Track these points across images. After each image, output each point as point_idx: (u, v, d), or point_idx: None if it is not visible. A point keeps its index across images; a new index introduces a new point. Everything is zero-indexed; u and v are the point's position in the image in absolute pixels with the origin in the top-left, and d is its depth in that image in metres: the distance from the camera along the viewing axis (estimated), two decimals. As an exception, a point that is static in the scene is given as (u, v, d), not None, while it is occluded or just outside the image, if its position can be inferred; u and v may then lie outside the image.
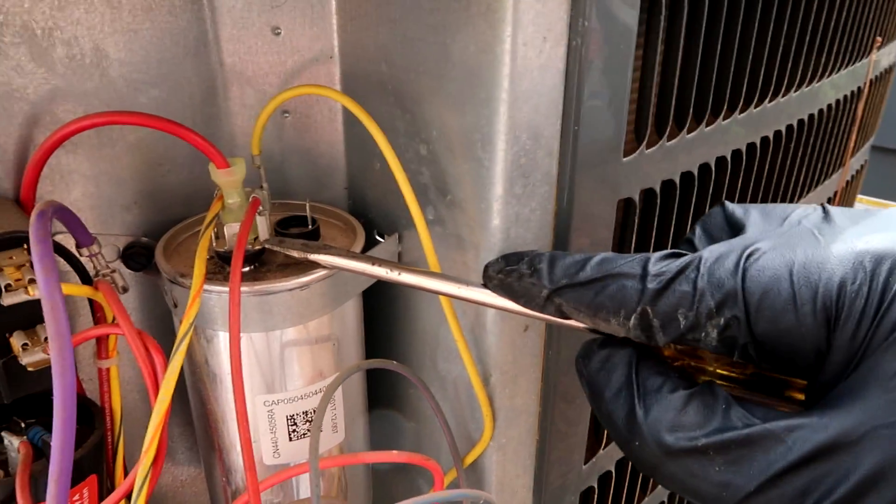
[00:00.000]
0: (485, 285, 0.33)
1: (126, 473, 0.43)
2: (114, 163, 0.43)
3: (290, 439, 0.43)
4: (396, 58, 0.41)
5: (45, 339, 0.34)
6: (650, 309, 0.28)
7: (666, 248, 0.49)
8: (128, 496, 0.37)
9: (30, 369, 0.34)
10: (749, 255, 0.27)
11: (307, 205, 0.44)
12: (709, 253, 0.28)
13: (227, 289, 0.38)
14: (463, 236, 0.41)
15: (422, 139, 0.41)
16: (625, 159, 0.41)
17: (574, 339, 0.44)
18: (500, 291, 0.32)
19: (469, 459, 0.47)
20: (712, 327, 0.27)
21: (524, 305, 0.32)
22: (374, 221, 0.48)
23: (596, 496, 0.55)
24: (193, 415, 0.47)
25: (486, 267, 0.33)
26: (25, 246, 0.34)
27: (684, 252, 0.29)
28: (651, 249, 0.48)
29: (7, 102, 0.38)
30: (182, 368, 0.45)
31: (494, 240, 0.39)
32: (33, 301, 0.34)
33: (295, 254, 0.39)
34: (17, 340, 0.34)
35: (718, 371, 0.31)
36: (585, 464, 0.52)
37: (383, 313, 0.50)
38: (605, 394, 0.30)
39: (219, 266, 0.41)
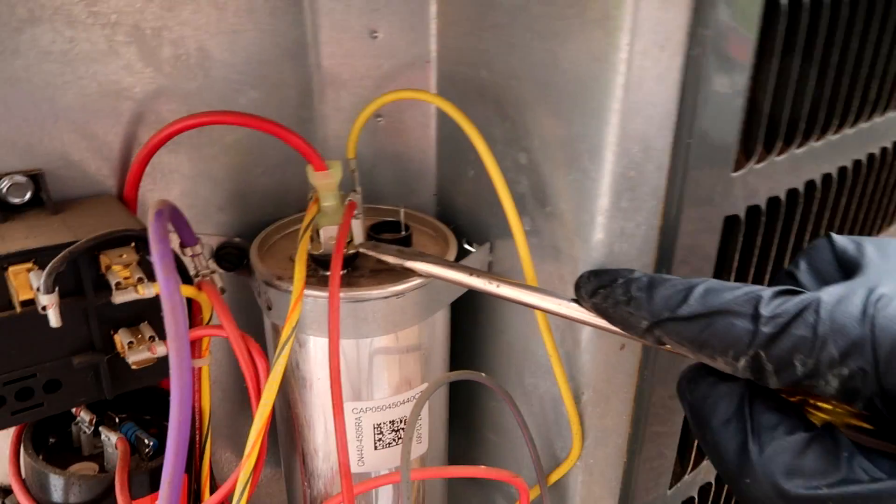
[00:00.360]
0: (578, 303, 0.32)
1: (212, 474, 0.43)
2: (211, 163, 0.43)
3: (376, 448, 0.43)
4: (499, 64, 0.40)
5: (150, 337, 0.34)
6: (763, 353, 0.26)
7: (768, 269, 0.47)
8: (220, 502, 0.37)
9: (133, 368, 0.34)
10: (877, 301, 0.25)
11: (401, 211, 0.43)
12: (828, 295, 0.26)
13: (323, 294, 0.38)
14: (561, 248, 0.40)
15: (522, 147, 0.40)
16: (734, 174, 0.39)
17: (672, 360, 0.43)
18: (596, 314, 0.31)
19: (553, 478, 0.45)
20: (833, 377, 0.25)
21: (623, 330, 0.31)
22: (463, 229, 0.47)
23: (677, 523, 0.53)
24: (277, 418, 0.47)
25: (577, 285, 0.32)
26: (133, 244, 0.34)
27: (797, 289, 0.27)
28: (753, 269, 0.45)
29: (116, 101, 0.38)
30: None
31: (596, 254, 0.38)
32: (140, 301, 0.34)
33: (391, 260, 0.39)
34: (122, 338, 0.34)
35: (837, 410, 0.29)
36: (670, 489, 0.50)
37: (469, 324, 0.49)
38: (712, 423, 0.28)
39: (311, 269, 0.41)
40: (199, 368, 0.41)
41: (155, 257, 0.28)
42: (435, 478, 0.46)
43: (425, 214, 0.47)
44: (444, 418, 0.48)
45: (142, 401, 0.42)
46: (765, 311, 0.26)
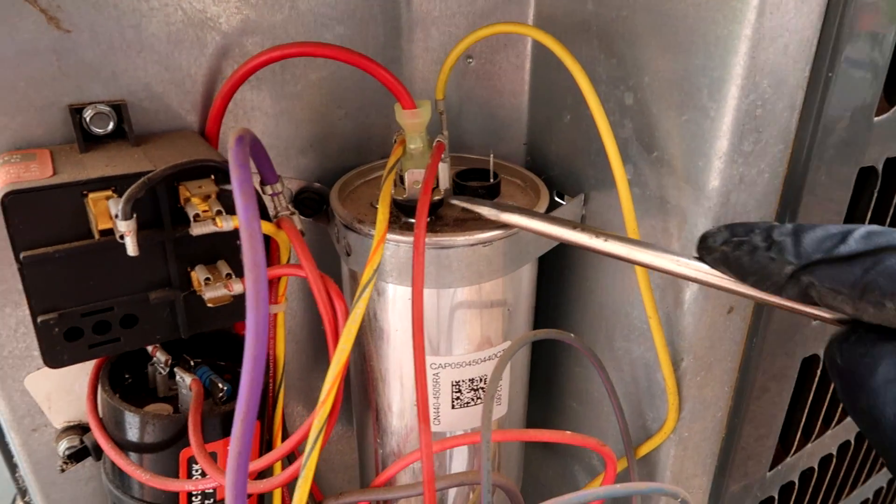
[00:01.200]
0: (701, 259, 0.28)
1: (284, 424, 0.41)
2: (294, 102, 0.41)
3: (453, 406, 0.41)
4: (607, -7, 0.36)
5: (227, 275, 0.33)
6: None
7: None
8: (288, 455, 0.35)
9: (209, 305, 0.33)
10: None
11: (490, 158, 0.40)
12: None
13: (406, 239, 0.36)
14: (668, 198, 0.36)
15: (628, 87, 0.36)
16: (876, 119, 0.35)
17: (787, 327, 0.38)
18: (724, 267, 0.27)
19: (643, 450, 0.42)
20: None
21: (754, 285, 0.26)
22: (555, 180, 0.44)
23: (775, 509, 0.49)
24: (351, 371, 0.45)
25: (705, 237, 0.27)
26: (213, 177, 0.32)
27: None
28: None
29: (201, 31, 0.37)
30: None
31: (710, 204, 0.34)
32: (217, 235, 0.33)
33: (485, 212, 0.36)
34: (199, 274, 0.33)
35: None
36: (770, 470, 0.46)
37: (556, 281, 0.46)
38: (870, 383, 0.24)
39: (394, 215, 0.39)
40: (275, 315, 0.40)
41: (234, 182, 0.26)
42: (515, 441, 0.44)
43: (514, 164, 0.44)
44: (525, 381, 0.45)
45: (217, 346, 0.41)
46: None
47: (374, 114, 0.44)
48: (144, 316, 0.33)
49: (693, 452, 0.42)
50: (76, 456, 0.40)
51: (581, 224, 0.33)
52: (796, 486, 0.49)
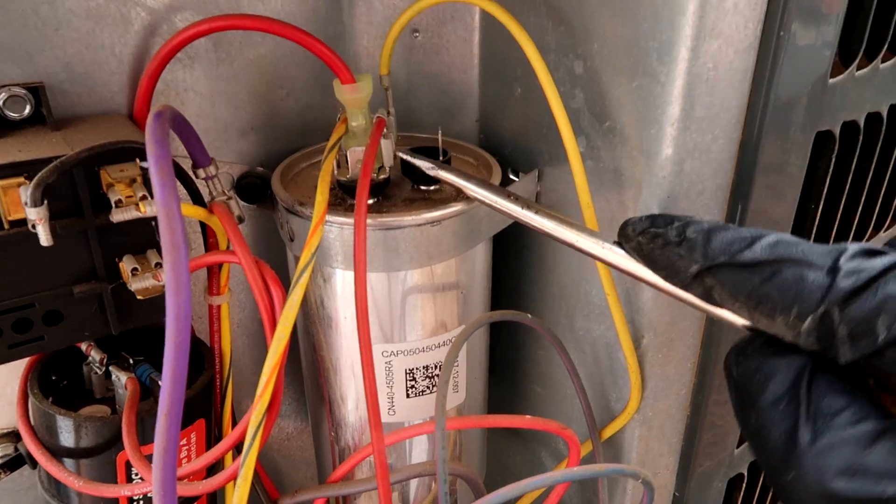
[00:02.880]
0: (619, 244, 0.27)
1: (235, 421, 0.40)
2: (231, 82, 0.39)
3: (408, 395, 0.39)
4: (552, -43, 0.35)
5: (157, 264, 0.31)
6: (837, 312, 0.20)
7: (862, 198, 0.41)
8: (237, 446, 0.33)
9: (139, 297, 0.31)
10: None
11: (439, 135, 0.38)
12: None
13: (350, 220, 0.34)
14: (622, 170, 0.35)
15: (577, 55, 0.35)
16: (831, 80, 0.33)
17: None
18: (639, 257, 0.26)
19: (608, 432, 0.41)
20: None
21: (665, 279, 0.25)
22: (509, 159, 0.42)
23: (745, 485, 0.48)
24: (303, 363, 0.43)
25: (626, 224, 0.26)
26: (138, 160, 0.30)
27: (890, 249, 0.22)
28: (845, 197, 0.39)
29: (124, 7, 0.34)
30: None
31: (664, 173, 0.33)
32: (144, 222, 0.31)
33: (424, 166, 0.34)
34: (126, 265, 0.31)
35: None
36: (738, 447, 0.45)
37: (514, 262, 0.44)
38: (759, 402, 0.22)
39: (339, 198, 0.37)
40: (219, 307, 0.38)
41: (150, 159, 0.24)
42: (473, 428, 0.42)
43: (466, 142, 0.43)
44: (484, 366, 0.44)
45: (159, 342, 0.39)
46: (846, 265, 0.21)
47: (318, 93, 0.42)
48: (70, 312, 0.31)
49: (658, 432, 0.41)
50: (11, 465, 0.38)
51: (517, 195, 0.31)
52: (765, 462, 0.49)
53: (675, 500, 0.44)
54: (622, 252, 0.27)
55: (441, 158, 0.38)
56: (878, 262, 0.21)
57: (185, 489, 0.31)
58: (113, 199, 0.29)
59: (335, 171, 0.36)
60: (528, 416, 0.37)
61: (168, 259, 0.22)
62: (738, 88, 0.32)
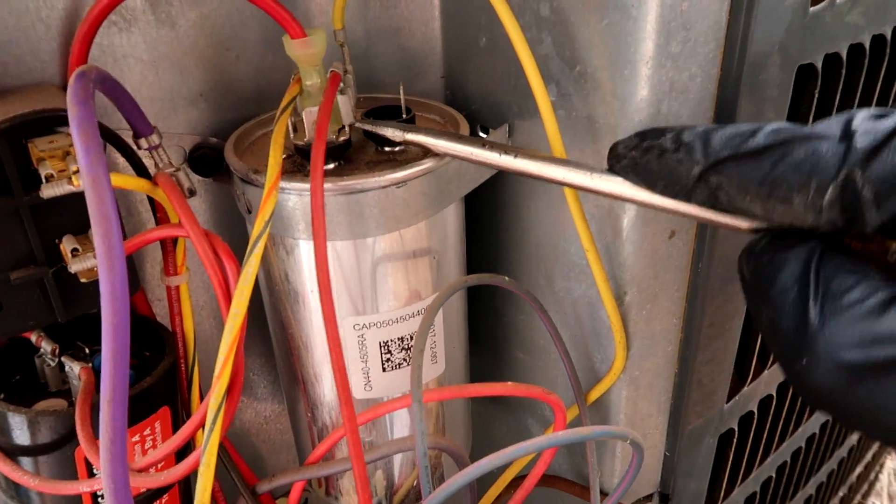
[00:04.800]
0: (611, 168, 0.25)
1: (203, 406, 0.37)
2: (174, 45, 0.36)
3: (384, 370, 0.37)
4: None
5: (99, 242, 0.28)
6: (858, 173, 0.19)
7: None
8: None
9: (83, 280, 0.28)
10: None
11: (401, 92, 0.36)
12: None
13: (307, 186, 0.32)
14: (596, 118, 0.33)
15: (542, -4, 0.33)
16: (812, 8, 0.31)
17: (732, 245, 0.36)
18: (632, 174, 0.24)
19: (594, 395, 0.39)
20: None
21: (663, 191, 0.24)
22: (477, 115, 0.40)
23: (736, 440, 0.47)
24: (274, 342, 0.41)
25: (616, 145, 0.25)
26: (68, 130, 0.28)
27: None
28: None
29: (44, -36, 0.31)
30: (259, 287, 0.39)
31: (640, 117, 0.31)
32: (82, 198, 0.28)
33: (389, 133, 0.32)
34: (66, 245, 0.28)
35: None
36: (728, 402, 0.44)
37: (488, 224, 0.42)
38: (770, 294, 0.22)
39: (298, 164, 0.35)
40: (177, 288, 0.36)
41: (72, 123, 0.21)
42: (452, 398, 0.40)
43: (432, 100, 0.40)
44: (463, 334, 0.42)
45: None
46: (861, 126, 0.20)
47: (271, 55, 0.40)
48: (9, 299, 0.29)
49: (646, 391, 0.40)
50: (-36, 467, 0.35)
51: (490, 141, 0.29)
52: (756, 416, 0.48)
53: (666, 460, 0.43)
54: (615, 178, 0.25)
55: (404, 117, 0.36)
56: (892, 121, 0.20)
57: (146, 481, 0.29)
58: (43, 173, 0.26)
59: (291, 135, 0.34)
60: (510, 383, 0.35)
61: (98, 231, 0.20)
62: (714, 20, 0.29)
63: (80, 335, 0.35)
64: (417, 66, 0.42)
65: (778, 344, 0.21)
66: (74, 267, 0.27)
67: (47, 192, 0.26)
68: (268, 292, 0.38)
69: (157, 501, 0.36)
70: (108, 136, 0.29)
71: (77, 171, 0.27)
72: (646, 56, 0.29)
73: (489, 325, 0.46)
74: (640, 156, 0.24)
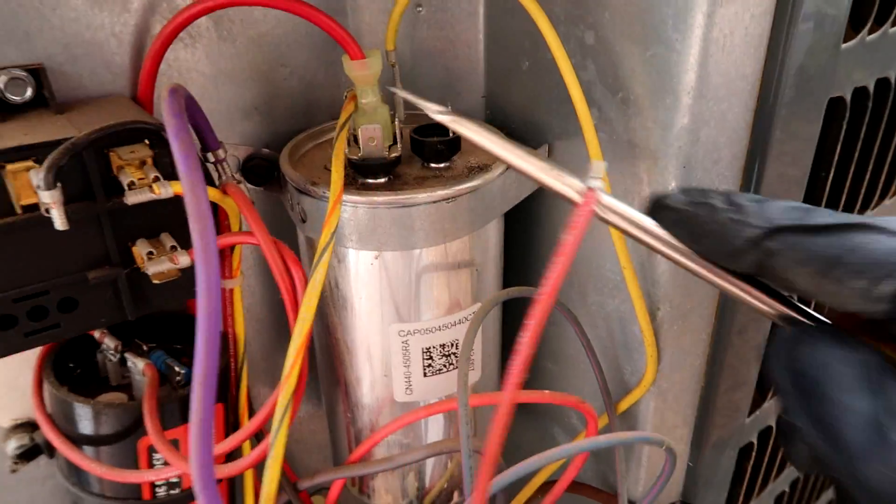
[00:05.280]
0: (653, 215, 0.25)
1: (250, 406, 0.39)
2: (234, 61, 0.38)
3: (425, 375, 0.39)
4: (561, -75, 0.34)
5: (172, 247, 0.30)
6: None
7: (870, 162, 0.41)
8: (256, 435, 0.33)
9: (155, 282, 0.30)
10: None
11: (448, 107, 0.38)
12: None
13: (364, 199, 0.33)
14: (636, 142, 0.34)
15: (588, 25, 0.35)
16: (844, 46, 0.33)
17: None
18: (678, 227, 0.24)
19: (623, 406, 0.41)
20: None
21: (706, 250, 0.23)
22: (516, 133, 0.42)
23: (755, 453, 0.48)
24: (316, 345, 0.43)
25: (661, 197, 0.25)
26: (147, 141, 0.30)
27: None
28: (854, 162, 0.39)
29: (122, -16, 0.33)
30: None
31: (680, 143, 0.33)
32: (157, 205, 0.30)
33: (432, 108, 0.32)
34: (141, 248, 0.30)
35: None
36: (749, 416, 0.46)
37: (524, 239, 0.44)
38: (834, 394, 0.21)
39: (350, 176, 0.36)
40: (231, 291, 0.37)
41: (170, 132, 0.23)
42: (491, 405, 0.42)
43: (475, 119, 0.42)
44: (497, 343, 0.44)
45: (171, 328, 0.38)
46: None
47: (321, 72, 0.42)
48: (85, 298, 0.31)
49: (673, 403, 0.41)
50: (27, 455, 0.37)
51: (539, 154, 0.31)
52: (773, 431, 0.49)
53: (689, 470, 0.45)
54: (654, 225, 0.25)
55: (451, 135, 0.38)
56: None
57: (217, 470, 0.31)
58: (125, 181, 0.28)
59: (346, 150, 0.36)
60: (547, 391, 0.37)
61: (196, 228, 0.22)
62: (753, 55, 0.31)
63: (136, 332, 0.37)
64: (459, 86, 0.44)
65: (839, 445, 0.21)
66: (151, 269, 0.29)
67: (132, 198, 0.28)
68: (314, 298, 0.40)
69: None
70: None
71: (156, 179, 0.29)
72: (688, 87, 0.31)
73: (520, 335, 0.48)
74: (691, 209, 0.23)
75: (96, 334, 0.36)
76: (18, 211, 0.27)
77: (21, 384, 0.37)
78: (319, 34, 0.39)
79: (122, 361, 0.36)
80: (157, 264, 0.29)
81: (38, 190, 0.26)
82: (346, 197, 0.34)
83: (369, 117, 0.35)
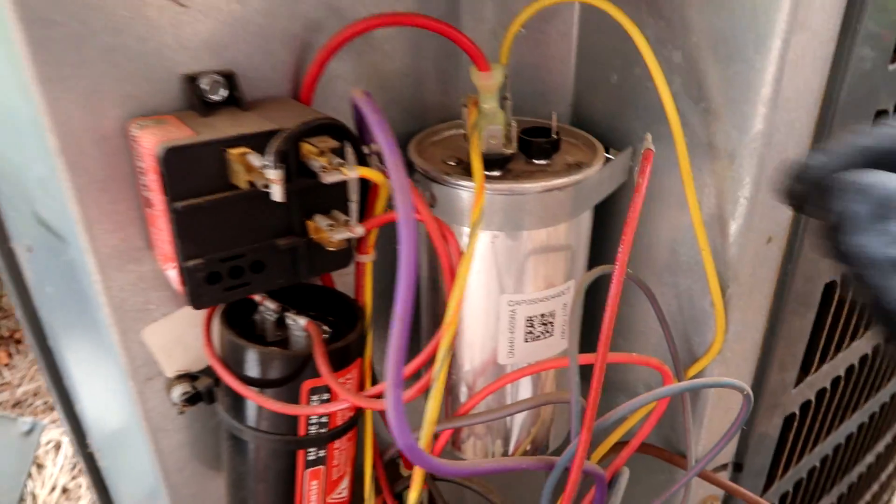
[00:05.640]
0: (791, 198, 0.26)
1: (373, 370, 0.46)
2: (370, 69, 0.45)
3: (526, 340, 0.45)
4: (657, -36, 0.41)
5: (345, 221, 0.37)
6: None
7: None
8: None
9: (330, 249, 0.37)
10: None
11: (553, 118, 0.45)
12: None
13: (501, 187, 0.40)
14: (715, 144, 0.41)
15: (676, 46, 0.42)
16: (890, 66, 0.40)
17: (814, 254, 0.44)
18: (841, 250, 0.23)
19: (693, 371, 0.48)
20: None
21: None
22: (602, 138, 0.49)
23: (796, 423, 0.55)
24: (424, 315, 0.50)
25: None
26: (328, 136, 0.36)
27: None
28: None
29: (294, 6, 0.40)
30: (420, 264, 0.48)
31: (755, 145, 0.39)
32: (332, 187, 0.37)
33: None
34: (320, 222, 0.37)
35: None
36: (794, 388, 0.52)
37: (606, 225, 0.51)
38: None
39: (466, 168, 0.43)
40: (364, 265, 0.44)
41: (373, 123, 0.30)
42: (593, 363, 0.48)
43: (566, 125, 0.49)
44: (580, 318, 0.50)
45: (303, 297, 0.45)
46: None
47: (433, 80, 0.49)
48: (270, 262, 0.37)
49: (735, 372, 0.48)
50: (191, 400, 0.44)
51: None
52: (813, 404, 0.56)
53: (743, 434, 0.51)
54: None
55: (554, 136, 0.45)
56: None
57: (369, 402, 0.37)
58: (315, 165, 0.35)
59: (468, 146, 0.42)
60: (634, 354, 0.43)
61: (399, 199, 0.29)
62: (819, 73, 0.38)
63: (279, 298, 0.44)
64: (550, 95, 0.51)
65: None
66: (335, 237, 0.36)
67: (328, 178, 0.34)
68: (428, 270, 0.47)
69: (338, 440, 0.44)
70: (351, 138, 0.37)
71: (340, 164, 0.35)
72: (764, 98, 0.38)
73: (595, 313, 0.55)
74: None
75: (257, 297, 0.42)
76: (244, 186, 0.34)
77: (186, 340, 0.44)
78: (435, 47, 0.47)
79: (278, 322, 0.42)
80: (339, 233, 0.36)
81: (264, 169, 0.33)
82: (466, 183, 0.41)
83: (489, 119, 0.42)
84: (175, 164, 0.33)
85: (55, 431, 1.79)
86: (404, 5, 0.45)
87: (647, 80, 0.43)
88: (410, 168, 0.44)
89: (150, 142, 0.34)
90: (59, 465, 1.69)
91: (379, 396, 0.40)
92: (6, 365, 2.15)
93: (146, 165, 0.34)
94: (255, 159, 0.34)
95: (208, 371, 0.45)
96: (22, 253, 0.55)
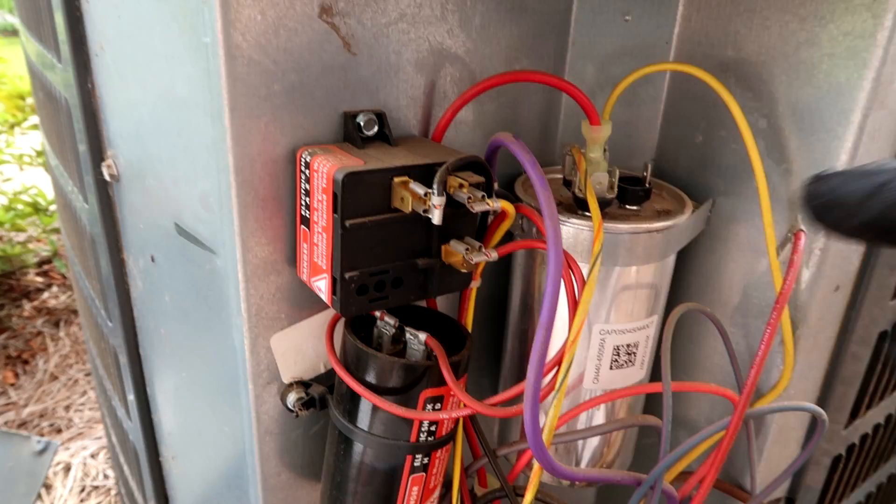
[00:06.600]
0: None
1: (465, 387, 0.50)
2: (485, 117, 0.51)
3: (611, 368, 0.50)
4: (749, 44, 0.47)
5: (479, 247, 0.42)
6: None
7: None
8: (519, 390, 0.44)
9: (462, 270, 0.42)
10: None
11: (647, 169, 0.50)
12: None
13: (584, 223, 0.46)
14: (794, 200, 0.47)
15: (762, 114, 0.48)
16: (950, 144, 0.46)
17: (874, 303, 0.49)
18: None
19: (759, 405, 0.52)
20: None
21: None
22: (685, 190, 0.55)
23: (842, 465, 0.59)
24: (510, 340, 0.54)
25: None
26: (471, 171, 0.42)
27: None
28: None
29: (438, 58, 0.46)
30: (512, 292, 0.53)
31: (833, 203, 0.45)
32: (470, 216, 0.42)
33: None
34: (456, 247, 0.42)
35: None
36: (844, 429, 0.57)
37: (684, 267, 0.56)
38: None
39: (573, 209, 0.49)
40: (469, 290, 0.49)
41: (525, 161, 0.36)
42: (678, 391, 0.52)
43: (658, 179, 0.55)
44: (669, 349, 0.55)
45: (413, 318, 0.49)
46: None
47: (538, 129, 0.55)
48: (408, 279, 0.42)
49: (795, 408, 0.52)
50: (306, 405, 0.48)
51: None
52: (857, 448, 0.60)
53: (798, 469, 0.56)
54: None
55: (647, 186, 0.50)
56: None
57: (492, 410, 0.42)
58: (462, 196, 0.40)
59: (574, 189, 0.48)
60: (709, 384, 0.48)
61: (549, 224, 0.34)
62: (892, 145, 0.44)
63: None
64: (635, 149, 0.57)
65: None
66: (474, 259, 0.40)
67: (477, 207, 0.39)
68: (521, 297, 0.52)
69: (440, 450, 0.48)
70: (488, 174, 0.43)
71: (483, 197, 0.40)
72: (843, 161, 0.44)
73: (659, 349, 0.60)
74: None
75: (377, 313, 0.47)
76: (408, 210, 0.39)
77: (304, 349, 0.48)
78: (540, 101, 0.53)
79: (394, 336, 0.47)
80: (478, 256, 0.41)
81: (427, 196, 0.38)
82: (573, 221, 0.46)
83: (594, 167, 0.48)
84: (350, 187, 0.38)
85: (64, 454, 1.79)
86: (521, 64, 0.51)
87: (732, 141, 0.49)
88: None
89: (326, 167, 0.39)
90: (69, 486, 1.69)
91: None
92: (12, 385, 2.16)
93: (317, 186, 0.40)
94: (417, 187, 0.39)
95: (318, 379, 0.50)
96: (137, 264, 0.60)
